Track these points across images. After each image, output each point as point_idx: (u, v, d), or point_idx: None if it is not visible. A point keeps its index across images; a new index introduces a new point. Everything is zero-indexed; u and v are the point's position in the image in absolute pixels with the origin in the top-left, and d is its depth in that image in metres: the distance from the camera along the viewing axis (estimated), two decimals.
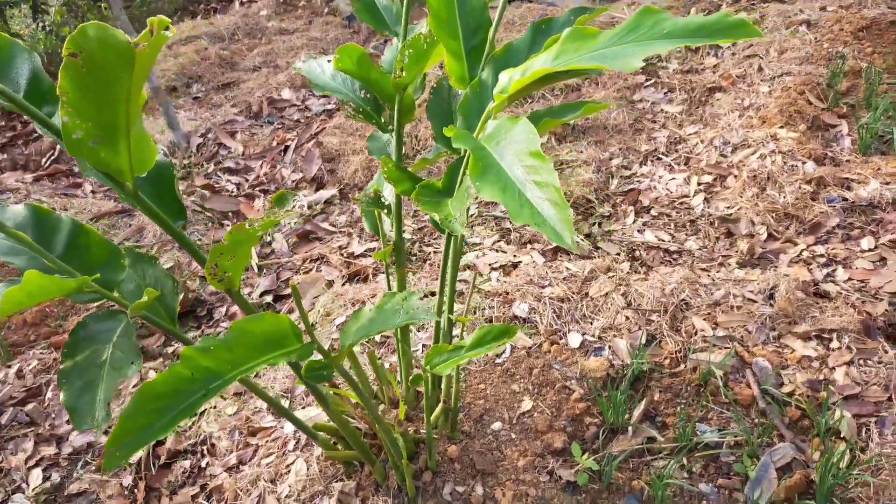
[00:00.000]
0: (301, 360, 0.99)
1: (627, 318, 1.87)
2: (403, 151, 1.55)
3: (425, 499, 1.54)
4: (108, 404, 0.85)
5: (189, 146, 3.30)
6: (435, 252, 2.35)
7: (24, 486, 1.88)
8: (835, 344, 1.70)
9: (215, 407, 2.01)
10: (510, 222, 2.41)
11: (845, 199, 2.13)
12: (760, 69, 2.81)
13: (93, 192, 3.18)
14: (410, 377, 1.33)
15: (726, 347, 1.73)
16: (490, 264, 2.20)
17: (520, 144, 0.91)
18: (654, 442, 1.59)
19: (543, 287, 2.03)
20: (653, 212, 2.37)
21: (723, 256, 2.11)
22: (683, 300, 1.87)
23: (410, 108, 1.42)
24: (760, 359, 1.68)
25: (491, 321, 1.97)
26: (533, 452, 1.61)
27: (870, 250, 1.97)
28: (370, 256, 2.42)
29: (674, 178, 2.51)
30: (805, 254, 2.03)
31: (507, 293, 2.03)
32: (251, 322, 0.95)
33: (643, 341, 1.80)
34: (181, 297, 2.38)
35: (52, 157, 3.46)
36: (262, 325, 0.96)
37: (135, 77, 0.66)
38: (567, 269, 2.09)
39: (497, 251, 2.27)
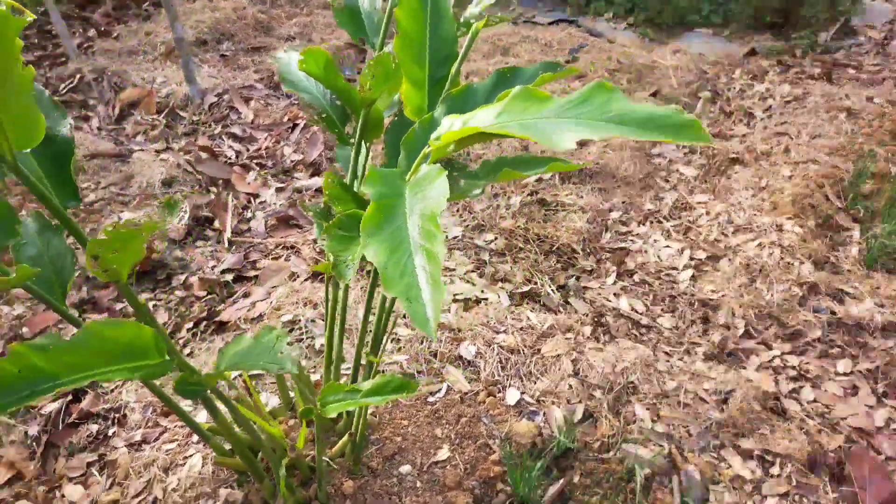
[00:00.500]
0: (152, 378, 0.93)
1: (571, 387, 1.78)
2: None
3: None
4: None
5: (203, 103, 3.26)
6: None
7: None
8: (775, 470, 1.59)
9: None
10: (489, 252, 2.32)
11: (833, 313, 2.00)
12: (787, 150, 2.68)
13: (98, 128, 3.16)
14: (300, 410, 1.26)
15: (661, 445, 1.63)
16: (454, 294, 2.12)
17: (431, 202, 0.83)
18: None
19: (498, 333, 1.94)
20: (636, 277, 2.26)
21: (691, 343, 2.00)
22: (632, 382, 1.77)
23: (377, 125, 1.35)
24: (692, 467, 1.58)
25: (436, 355, 1.90)
26: None
27: (844, 374, 1.85)
28: None
29: (668, 247, 2.39)
30: (777, 361, 1.91)
31: (460, 330, 1.95)
32: (110, 327, 0.89)
33: (579, 416, 1.71)
34: (144, 256, 2.34)
35: (71, 85, 3.45)
36: (121, 332, 0.90)
37: None
38: (528, 318, 2.00)
39: (467, 282, 2.19)
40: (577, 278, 2.25)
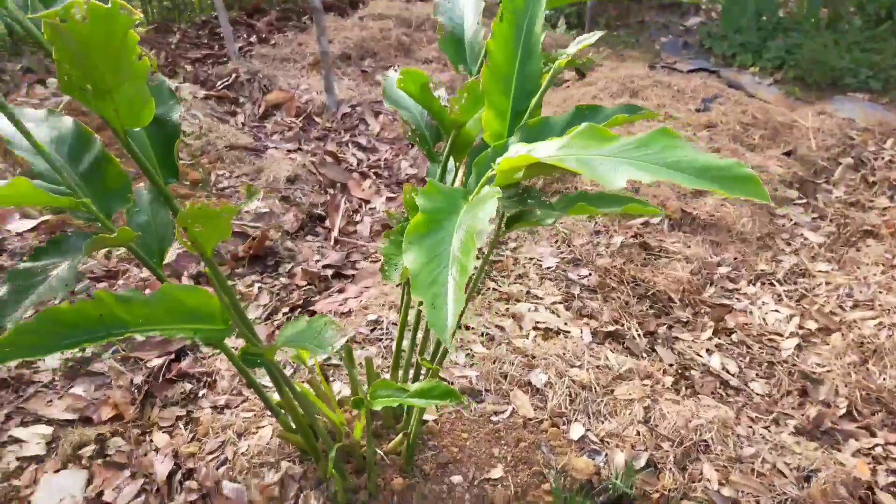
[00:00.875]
0: (211, 341, 1.01)
1: (639, 433, 1.71)
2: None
3: None
4: (25, 311, 0.93)
5: (337, 112, 3.49)
6: (494, 289, 2.29)
7: None
8: None
9: (236, 349, 2.12)
10: (581, 287, 2.29)
11: None
12: None
13: (242, 123, 3.47)
14: (352, 399, 1.31)
15: None
16: (536, 322, 2.11)
17: (477, 220, 0.87)
18: None
19: (572, 366, 1.91)
20: (734, 336, 2.14)
21: (783, 414, 1.86)
22: (704, 440, 1.68)
23: (466, 146, 1.40)
24: None
25: (506, 377, 1.90)
26: None
27: None
28: None
29: (776, 311, 2.25)
30: (878, 450, 1.74)
31: (534, 357, 1.94)
32: (183, 292, 0.98)
33: (641, 464, 1.64)
34: (257, 240, 2.53)
35: (227, 83, 3.81)
36: (192, 297, 0.99)
37: (109, 48, 0.72)
38: (607, 357, 1.95)
39: (552, 312, 2.18)
40: (669, 327, 2.16)
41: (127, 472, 1.71)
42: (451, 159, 1.46)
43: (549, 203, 1.28)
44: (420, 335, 1.75)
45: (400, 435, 1.60)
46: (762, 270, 2.44)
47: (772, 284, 2.38)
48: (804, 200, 2.78)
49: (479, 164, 1.11)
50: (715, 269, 2.42)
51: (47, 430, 1.84)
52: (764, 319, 2.22)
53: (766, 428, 1.78)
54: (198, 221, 1.00)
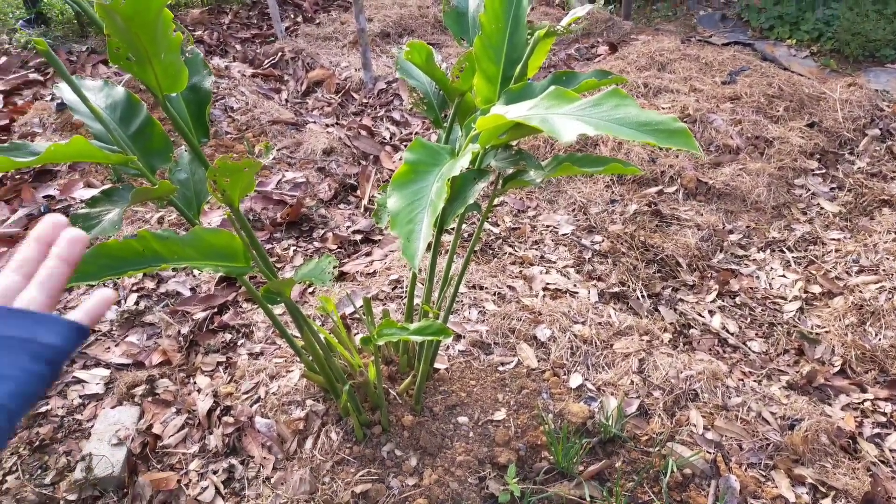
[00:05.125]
0: (234, 275, 1.20)
1: (633, 382, 1.85)
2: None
3: (367, 447, 1.72)
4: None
5: (373, 88, 3.65)
6: (510, 254, 2.44)
7: (122, 301, 2.36)
8: (826, 502, 1.55)
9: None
10: (592, 253, 2.42)
11: None
12: None
13: (286, 100, 3.67)
14: (362, 338, 1.49)
15: (708, 451, 1.66)
16: (546, 284, 2.25)
17: (453, 170, 1.02)
18: (589, 502, 1.60)
19: (575, 322, 2.05)
20: (738, 299, 2.24)
21: (777, 371, 1.96)
22: (694, 390, 1.80)
23: (468, 112, 1.55)
24: (734, 477, 1.59)
25: (513, 332, 2.05)
26: (476, 456, 1.70)
27: None
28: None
29: (783, 277, 2.33)
30: (867, 405, 1.82)
31: (540, 314, 2.08)
32: (211, 233, 1.17)
33: (633, 409, 1.78)
34: (293, 208, 2.73)
35: (273, 62, 4.03)
36: (218, 238, 1.18)
37: (146, 23, 0.90)
38: (609, 315, 2.08)
39: (562, 275, 2.31)
40: (675, 290, 2.27)
41: (173, 409, 1.94)
42: (458, 125, 1.60)
43: (540, 164, 1.43)
44: (435, 292, 1.92)
45: (410, 376, 1.78)
46: (773, 238, 2.51)
47: (781, 251, 2.45)
48: (823, 171, 2.81)
49: (468, 125, 1.25)
50: (726, 237, 2.50)
51: (105, 372, 2.10)
52: (769, 284, 2.30)
53: (757, 381, 1.89)
54: (225, 174, 1.18)
